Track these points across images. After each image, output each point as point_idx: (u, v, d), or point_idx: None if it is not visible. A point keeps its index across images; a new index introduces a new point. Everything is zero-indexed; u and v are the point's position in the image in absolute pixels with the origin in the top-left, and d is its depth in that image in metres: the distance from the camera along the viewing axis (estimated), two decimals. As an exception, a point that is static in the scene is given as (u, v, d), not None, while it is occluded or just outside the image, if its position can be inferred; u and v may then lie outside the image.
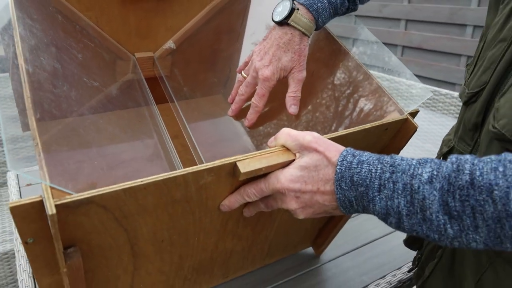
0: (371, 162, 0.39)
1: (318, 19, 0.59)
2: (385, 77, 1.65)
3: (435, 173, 0.36)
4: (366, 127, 0.51)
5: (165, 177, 0.38)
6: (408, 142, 0.57)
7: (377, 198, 0.38)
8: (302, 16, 0.59)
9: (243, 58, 0.83)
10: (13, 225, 0.89)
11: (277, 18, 0.59)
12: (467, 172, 0.34)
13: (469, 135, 0.51)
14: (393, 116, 0.55)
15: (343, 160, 0.40)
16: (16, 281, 1.28)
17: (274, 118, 0.75)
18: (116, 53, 0.78)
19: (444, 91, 1.66)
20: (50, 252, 0.40)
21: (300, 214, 0.44)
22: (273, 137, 0.47)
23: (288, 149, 0.45)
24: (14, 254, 1.24)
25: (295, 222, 0.68)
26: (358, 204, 0.40)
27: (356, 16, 0.71)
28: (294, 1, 0.59)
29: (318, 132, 0.45)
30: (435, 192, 0.35)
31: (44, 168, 0.33)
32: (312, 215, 0.44)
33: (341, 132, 0.49)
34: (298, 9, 0.58)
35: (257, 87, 0.63)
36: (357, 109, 0.63)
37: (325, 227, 0.77)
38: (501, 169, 0.33)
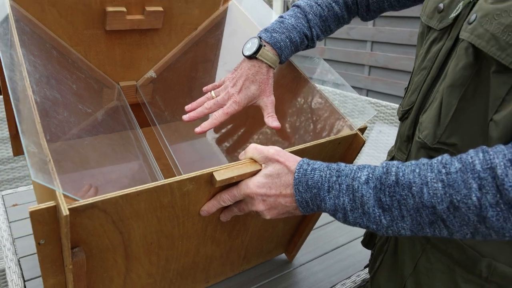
0: (322, 168, 0.49)
1: (282, 55, 0.70)
2: (335, 91, 1.72)
3: (370, 175, 0.45)
4: (322, 142, 0.61)
5: (155, 185, 0.47)
6: (367, 153, 0.67)
7: (327, 198, 0.47)
8: (269, 52, 0.69)
9: (217, 85, 0.93)
10: (1, 243, 0.94)
11: (247, 53, 0.69)
12: (393, 173, 0.44)
13: (404, 146, 0.61)
14: (344, 132, 0.65)
15: (299, 168, 0.50)
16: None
17: (246, 140, 0.85)
18: (103, 82, 0.87)
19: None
20: (56, 253, 0.47)
21: (267, 214, 0.53)
22: (243, 151, 0.56)
23: (255, 161, 0.54)
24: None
25: (267, 229, 0.76)
26: (313, 203, 0.49)
27: (326, 38, 0.82)
28: (261, 39, 0.69)
29: (280, 147, 0.54)
30: (370, 191, 0.44)
31: (57, 180, 0.41)
32: (277, 216, 0.53)
33: (300, 146, 0.59)
34: (264, 45, 0.69)
35: (225, 106, 0.70)
36: (316, 127, 0.74)
37: (295, 234, 0.86)
38: (417, 170, 0.43)
